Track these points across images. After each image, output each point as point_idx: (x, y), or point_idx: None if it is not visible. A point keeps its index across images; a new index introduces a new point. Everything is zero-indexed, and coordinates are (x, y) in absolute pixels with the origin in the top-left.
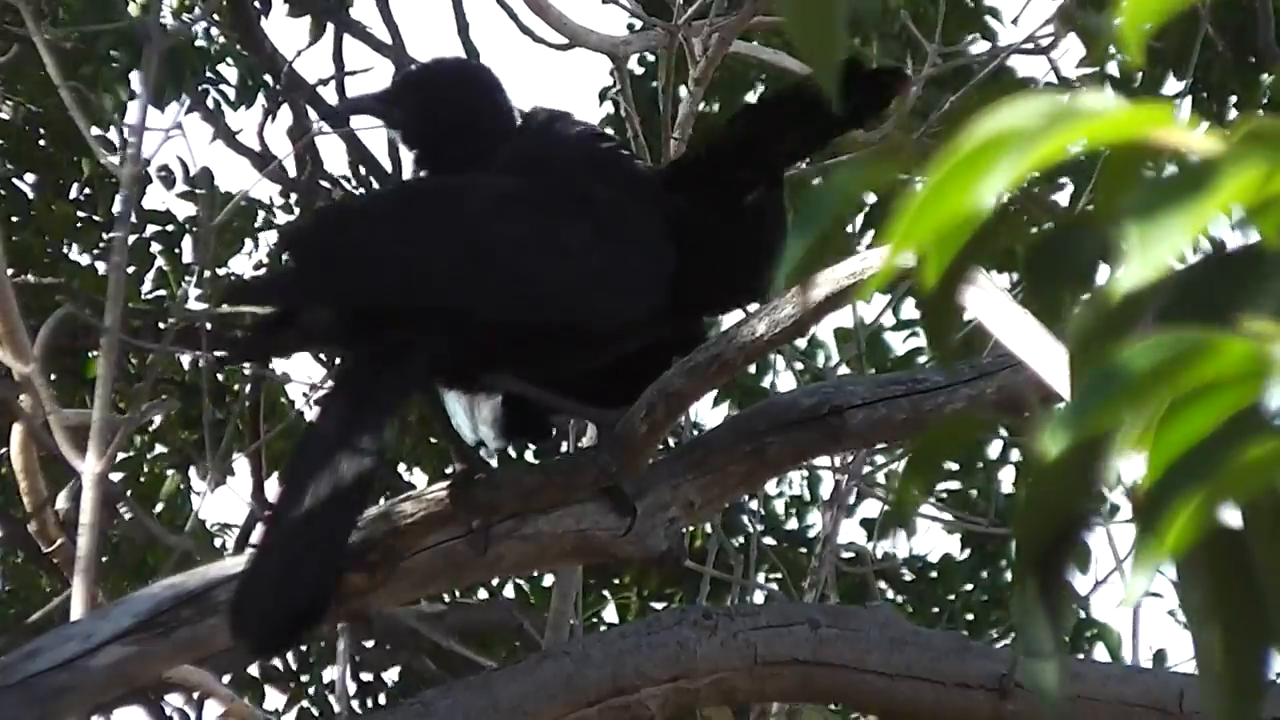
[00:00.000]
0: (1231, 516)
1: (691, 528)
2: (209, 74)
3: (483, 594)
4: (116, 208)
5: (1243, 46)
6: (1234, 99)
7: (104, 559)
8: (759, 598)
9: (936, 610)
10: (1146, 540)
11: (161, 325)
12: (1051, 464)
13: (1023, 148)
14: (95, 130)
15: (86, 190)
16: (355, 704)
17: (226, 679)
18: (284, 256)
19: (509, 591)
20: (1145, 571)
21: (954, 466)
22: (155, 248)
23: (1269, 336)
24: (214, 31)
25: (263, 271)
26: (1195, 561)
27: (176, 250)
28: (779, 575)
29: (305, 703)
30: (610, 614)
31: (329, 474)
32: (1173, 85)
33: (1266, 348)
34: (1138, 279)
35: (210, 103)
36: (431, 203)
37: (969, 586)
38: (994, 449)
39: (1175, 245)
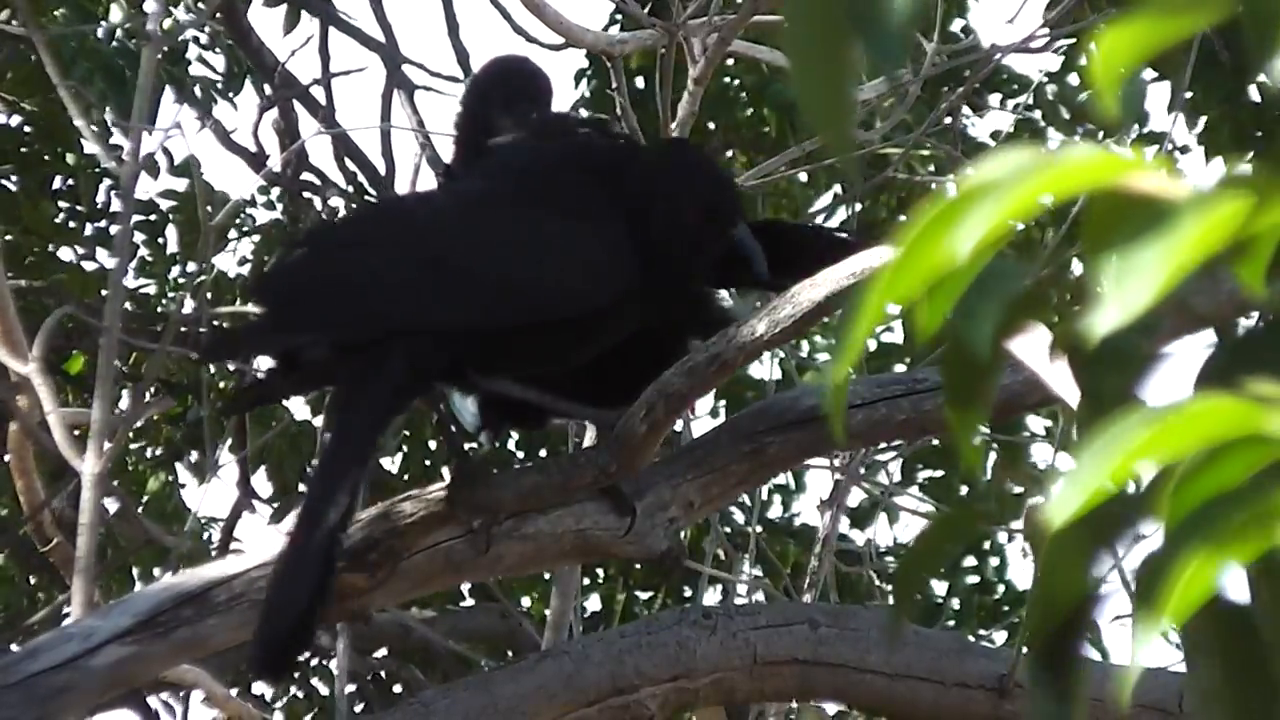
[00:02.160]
0: (1238, 592)
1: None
2: (199, 69)
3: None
4: (101, 198)
5: (1240, 49)
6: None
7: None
8: (743, 589)
9: (924, 607)
10: (1149, 604)
11: (152, 325)
12: (1059, 546)
13: (998, 198)
14: (89, 132)
15: (69, 183)
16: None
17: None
18: (259, 300)
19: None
20: (1148, 635)
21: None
22: (139, 237)
23: (1273, 400)
24: (199, 27)
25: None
26: (1200, 634)
27: (160, 240)
28: (761, 569)
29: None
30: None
31: (316, 501)
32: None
33: (1270, 411)
34: (1114, 321)
35: (199, 94)
36: (387, 222)
37: (953, 581)
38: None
39: (1148, 288)
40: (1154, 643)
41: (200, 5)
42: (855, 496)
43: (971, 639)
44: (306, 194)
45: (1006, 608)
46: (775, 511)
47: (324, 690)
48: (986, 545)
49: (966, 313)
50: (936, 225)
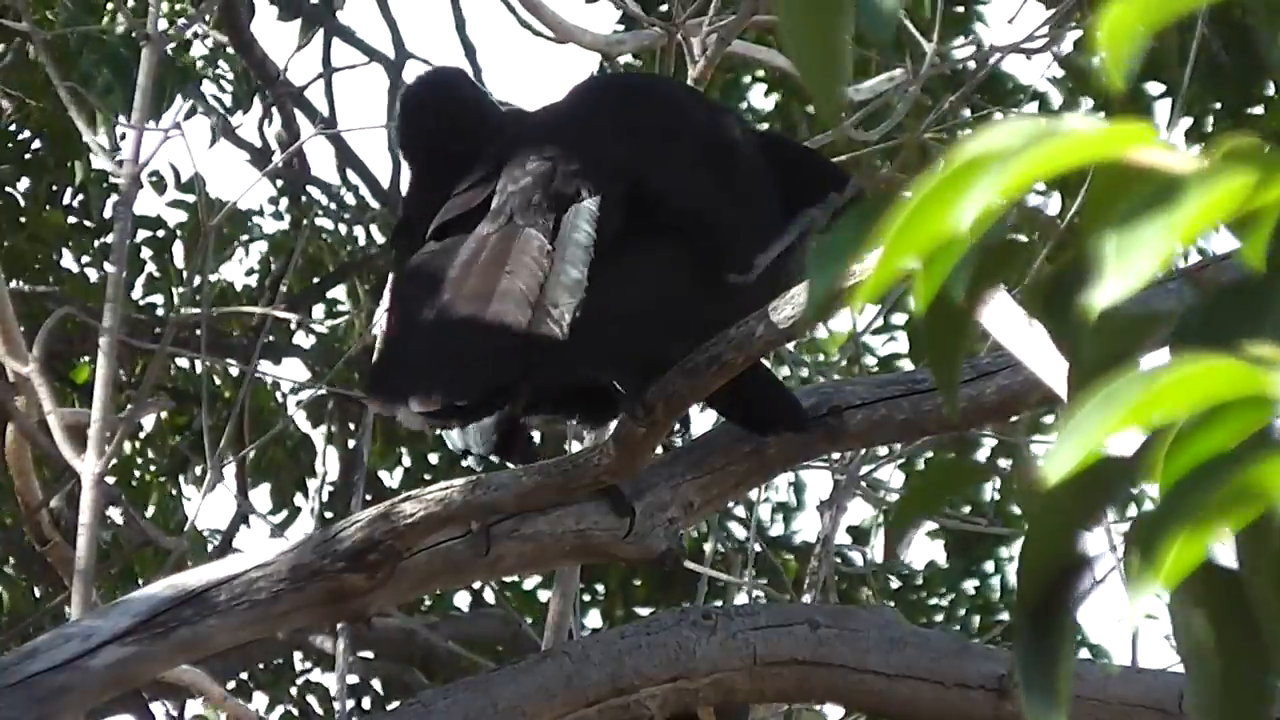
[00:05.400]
0: (1225, 549)
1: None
2: (205, 77)
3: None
4: (109, 212)
5: (1242, 50)
6: (1229, 105)
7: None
8: (744, 598)
9: (924, 622)
10: (1143, 566)
11: (155, 330)
12: (1050, 502)
13: (1000, 169)
14: (91, 134)
15: (79, 196)
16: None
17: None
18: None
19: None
20: (1141, 596)
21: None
22: (145, 253)
23: (1272, 361)
24: (205, 34)
25: None
26: (1189, 594)
27: (167, 255)
28: (765, 580)
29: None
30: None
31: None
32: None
33: (1269, 373)
34: (1113, 294)
35: (203, 100)
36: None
37: (955, 593)
38: (981, 454)
39: (1150, 261)
40: (1147, 606)
41: (200, 6)
42: (858, 514)
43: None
44: (311, 196)
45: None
46: (776, 530)
47: (319, 709)
48: (990, 565)
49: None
50: (938, 195)
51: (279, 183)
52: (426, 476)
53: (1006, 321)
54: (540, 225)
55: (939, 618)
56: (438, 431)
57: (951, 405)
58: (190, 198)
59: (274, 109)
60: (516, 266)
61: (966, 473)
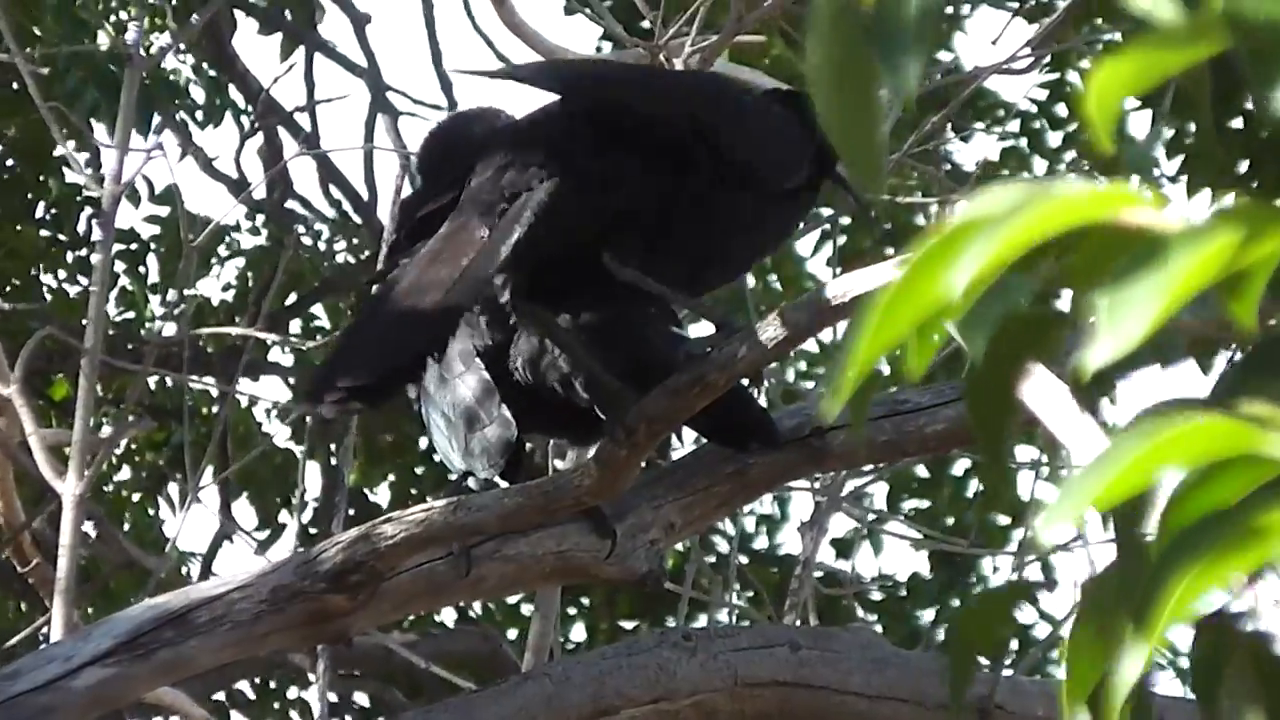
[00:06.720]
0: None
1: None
2: (180, 98)
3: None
4: (83, 228)
5: (1229, 73)
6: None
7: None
8: (725, 617)
9: (908, 634)
10: (1140, 619)
11: (131, 347)
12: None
13: (991, 235)
14: (70, 151)
15: (53, 211)
16: None
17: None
18: None
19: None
20: (1138, 650)
21: (923, 477)
22: (120, 266)
23: (1268, 421)
24: (183, 51)
25: None
26: (1241, 687)
27: (142, 269)
28: (750, 594)
29: None
30: (578, 633)
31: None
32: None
33: (1266, 431)
34: (1106, 356)
35: (180, 124)
36: None
37: (939, 607)
38: (959, 467)
39: (1141, 322)
40: (1142, 663)
41: (186, 22)
42: (841, 526)
43: None
44: (290, 219)
45: None
46: (760, 543)
47: None
48: (973, 578)
49: (968, 321)
50: (930, 261)
51: (260, 198)
52: (414, 490)
53: (1046, 394)
54: (487, 219)
55: (921, 629)
56: (437, 458)
57: (997, 473)
58: (164, 210)
59: (254, 133)
60: (448, 257)
61: (1010, 598)
